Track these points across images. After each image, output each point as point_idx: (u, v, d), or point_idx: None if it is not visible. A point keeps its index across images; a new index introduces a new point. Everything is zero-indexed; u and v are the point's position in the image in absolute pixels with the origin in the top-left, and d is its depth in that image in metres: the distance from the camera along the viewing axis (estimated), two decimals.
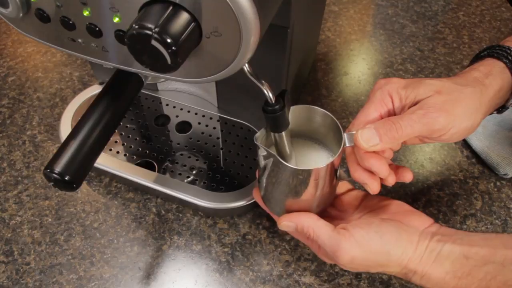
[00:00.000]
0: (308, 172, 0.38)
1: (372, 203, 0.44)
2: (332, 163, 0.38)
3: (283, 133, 0.38)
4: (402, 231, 0.39)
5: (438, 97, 0.38)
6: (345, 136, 0.39)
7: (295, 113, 0.41)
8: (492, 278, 0.35)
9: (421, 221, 0.40)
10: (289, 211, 0.44)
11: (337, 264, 0.40)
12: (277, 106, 0.35)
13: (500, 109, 0.45)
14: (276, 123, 0.37)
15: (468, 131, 0.39)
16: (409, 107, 0.39)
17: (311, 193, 0.41)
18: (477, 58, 0.45)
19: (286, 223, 0.42)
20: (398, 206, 0.43)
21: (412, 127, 0.37)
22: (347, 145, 0.39)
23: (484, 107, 0.40)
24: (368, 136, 0.37)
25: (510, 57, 0.42)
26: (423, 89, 0.39)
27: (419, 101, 0.38)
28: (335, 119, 0.40)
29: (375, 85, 0.42)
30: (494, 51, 0.43)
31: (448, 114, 0.37)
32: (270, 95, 0.35)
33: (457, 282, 0.37)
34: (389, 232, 0.38)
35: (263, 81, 0.35)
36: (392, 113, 0.40)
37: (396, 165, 0.42)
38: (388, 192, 0.56)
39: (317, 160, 0.44)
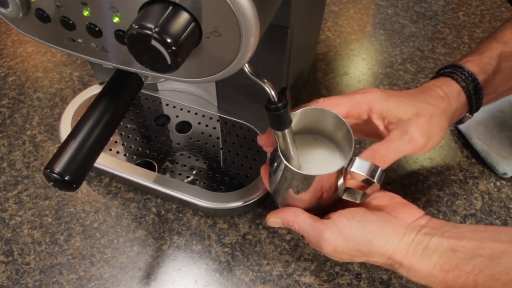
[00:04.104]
0: (305, 176, 0.38)
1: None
2: (334, 173, 0.38)
3: (286, 131, 0.38)
4: (387, 222, 0.39)
5: (418, 120, 0.42)
6: (356, 161, 0.39)
7: (306, 115, 0.41)
8: (479, 271, 0.35)
9: (411, 213, 0.40)
10: (288, 204, 0.44)
11: (322, 253, 0.41)
12: (280, 104, 0.35)
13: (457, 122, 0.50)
14: (279, 121, 0.37)
15: (438, 143, 0.44)
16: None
17: (309, 194, 0.41)
18: (438, 74, 0.48)
19: (272, 219, 0.44)
20: (390, 198, 0.43)
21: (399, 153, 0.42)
22: (355, 171, 0.39)
23: (450, 121, 0.45)
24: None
25: (467, 81, 0.46)
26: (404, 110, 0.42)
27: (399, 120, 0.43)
28: (347, 123, 0.41)
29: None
30: (453, 73, 0.46)
31: (429, 136, 0.42)
32: (273, 93, 0.35)
33: (444, 275, 0.36)
34: (373, 222, 0.39)
35: (265, 80, 0.35)
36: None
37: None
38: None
39: (327, 158, 0.44)
